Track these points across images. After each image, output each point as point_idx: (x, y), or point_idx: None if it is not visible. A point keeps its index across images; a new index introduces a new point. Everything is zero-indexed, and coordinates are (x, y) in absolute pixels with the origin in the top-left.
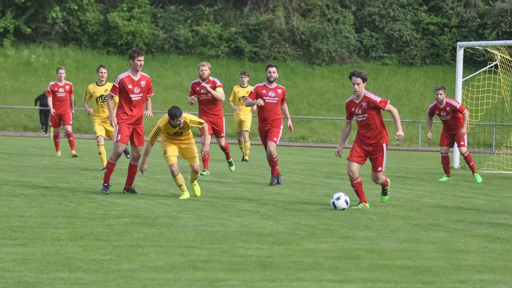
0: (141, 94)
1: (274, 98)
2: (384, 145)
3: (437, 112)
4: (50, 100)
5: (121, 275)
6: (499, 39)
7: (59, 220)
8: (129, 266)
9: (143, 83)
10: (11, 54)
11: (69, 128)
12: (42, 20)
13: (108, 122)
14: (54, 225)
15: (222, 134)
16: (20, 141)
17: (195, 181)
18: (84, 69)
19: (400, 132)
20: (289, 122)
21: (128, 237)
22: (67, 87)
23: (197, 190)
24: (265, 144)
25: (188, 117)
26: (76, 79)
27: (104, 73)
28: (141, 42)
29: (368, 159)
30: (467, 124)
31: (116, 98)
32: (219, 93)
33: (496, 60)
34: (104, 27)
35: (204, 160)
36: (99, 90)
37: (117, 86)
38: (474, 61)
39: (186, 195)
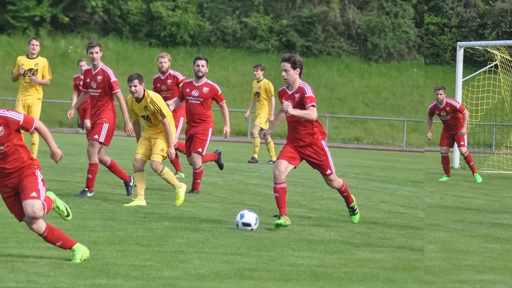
0: (98, 90)
1: (198, 98)
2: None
3: (437, 112)
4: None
5: (162, 282)
6: (499, 39)
7: (97, 223)
8: (171, 274)
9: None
10: (48, 44)
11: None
12: (80, 9)
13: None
14: (91, 228)
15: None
16: (55, 137)
17: (180, 191)
18: (125, 61)
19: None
20: (226, 127)
21: (170, 242)
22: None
23: (179, 199)
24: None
25: (154, 97)
26: (115, 72)
27: (36, 45)
28: (186, 33)
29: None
30: (467, 124)
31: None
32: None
33: (496, 60)
34: (147, 17)
35: (172, 162)
36: (28, 63)
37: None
38: (474, 61)
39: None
